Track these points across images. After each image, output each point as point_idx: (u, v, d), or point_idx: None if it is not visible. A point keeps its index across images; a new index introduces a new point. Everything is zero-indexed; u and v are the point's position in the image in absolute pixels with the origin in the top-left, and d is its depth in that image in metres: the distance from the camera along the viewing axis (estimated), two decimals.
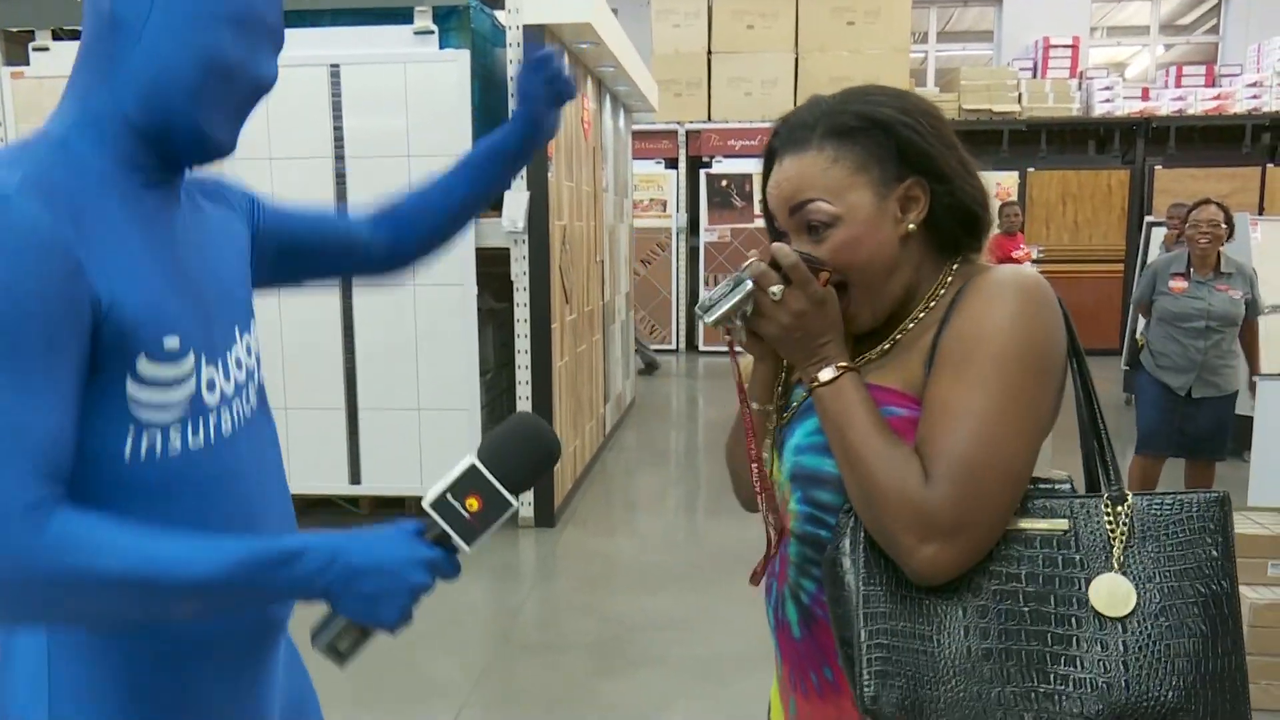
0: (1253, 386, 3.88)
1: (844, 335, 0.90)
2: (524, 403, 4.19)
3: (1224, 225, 3.70)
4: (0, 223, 0.73)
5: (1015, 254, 6.44)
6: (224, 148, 0.89)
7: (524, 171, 3.92)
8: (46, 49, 4.11)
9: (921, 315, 0.91)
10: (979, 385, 0.82)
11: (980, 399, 0.81)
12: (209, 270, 0.94)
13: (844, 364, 0.87)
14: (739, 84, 9.10)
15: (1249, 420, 3.83)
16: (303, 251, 1.12)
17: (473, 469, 0.88)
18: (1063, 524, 0.82)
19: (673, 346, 9.48)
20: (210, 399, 0.89)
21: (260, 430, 0.98)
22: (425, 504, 0.88)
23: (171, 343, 0.84)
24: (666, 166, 9.33)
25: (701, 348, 9.30)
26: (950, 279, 0.92)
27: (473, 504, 0.87)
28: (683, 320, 9.46)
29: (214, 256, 0.96)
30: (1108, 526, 0.81)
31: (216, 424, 0.90)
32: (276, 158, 3.97)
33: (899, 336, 0.92)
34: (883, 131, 0.89)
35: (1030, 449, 0.82)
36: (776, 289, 0.86)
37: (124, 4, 0.83)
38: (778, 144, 0.93)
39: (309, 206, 1.15)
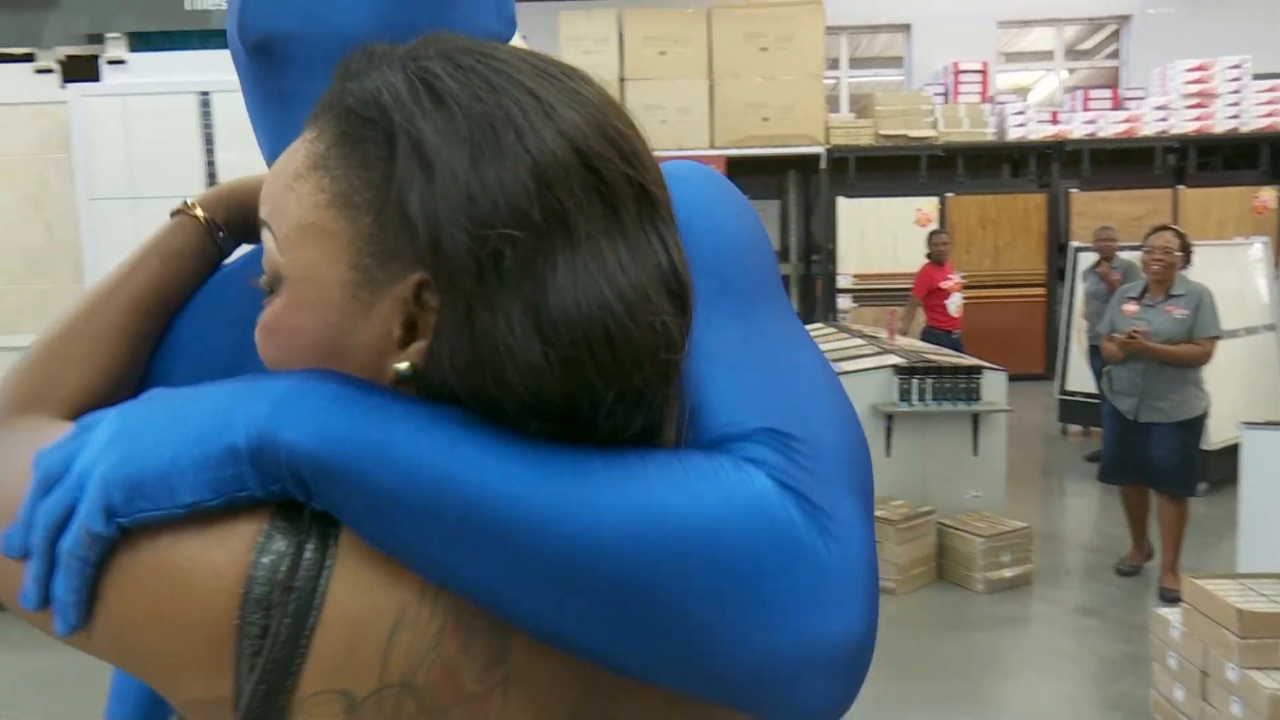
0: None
1: None
2: None
3: (1178, 251, 3.70)
4: None
5: (943, 284, 6.13)
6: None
7: None
8: None
9: None
10: None
11: None
12: None
13: None
14: (653, 111, 8.81)
15: (1226, 452, 3.67)
16: None
17: None
18: None
19: None
20: None
21: None
22: None
23: None
24: None
25: None
26: None
27: None
28: None
29: None
30: None
31: None
32: (142, 197, 3.57)
33: None
34: (393, 157, 0.43)
35: None
36: None
37: None
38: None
39: None
